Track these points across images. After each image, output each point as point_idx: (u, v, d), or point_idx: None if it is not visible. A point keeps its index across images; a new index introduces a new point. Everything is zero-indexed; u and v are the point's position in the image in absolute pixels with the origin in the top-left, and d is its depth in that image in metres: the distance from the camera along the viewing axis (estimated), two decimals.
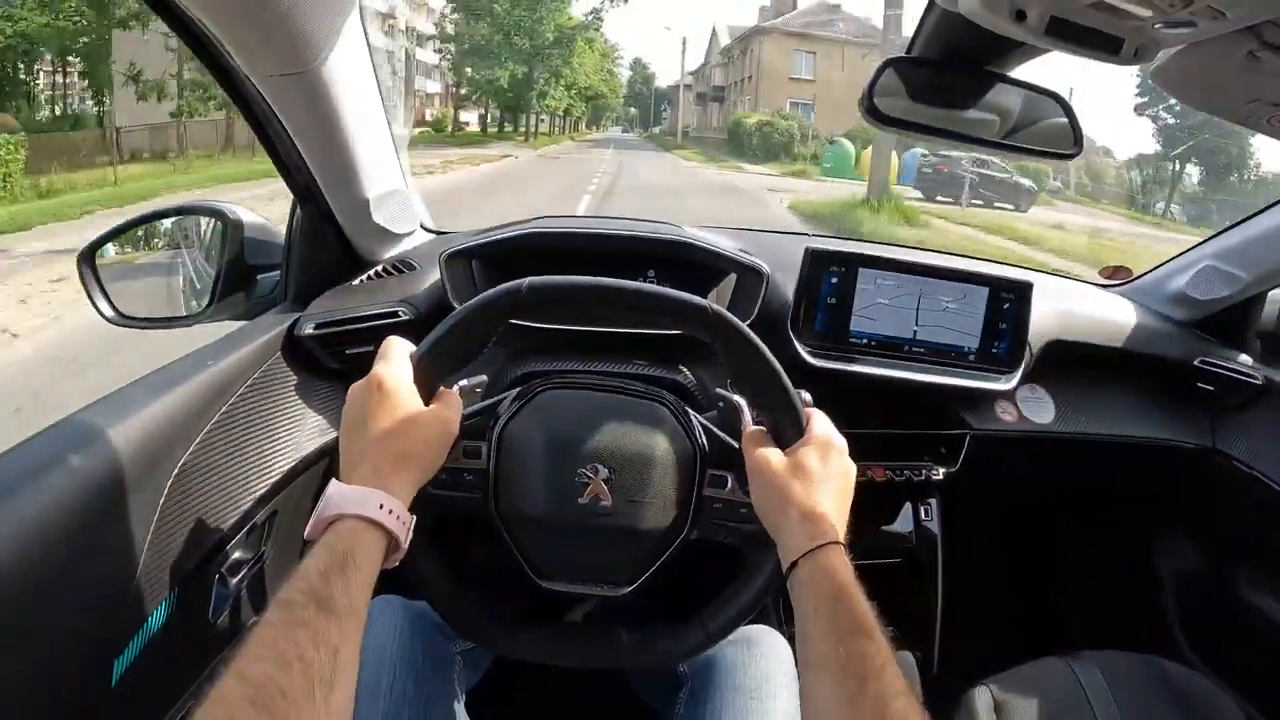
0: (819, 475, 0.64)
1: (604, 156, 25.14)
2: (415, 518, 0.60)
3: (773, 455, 0.66)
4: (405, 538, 0.58)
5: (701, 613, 0.71)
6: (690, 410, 0.76)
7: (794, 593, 0.60)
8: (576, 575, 0.73)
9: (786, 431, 0.67)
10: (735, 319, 0.66)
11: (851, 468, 0.67)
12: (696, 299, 0.67)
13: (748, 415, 0.73)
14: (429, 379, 0.64)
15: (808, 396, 0.70)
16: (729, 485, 0.71)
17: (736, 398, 0.78)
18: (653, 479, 0.71)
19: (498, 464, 0.71)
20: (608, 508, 0.70)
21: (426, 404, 0.64)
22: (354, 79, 0.87)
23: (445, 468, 0.65)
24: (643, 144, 44.79)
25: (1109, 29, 0.66)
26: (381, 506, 0.56)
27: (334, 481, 0.58)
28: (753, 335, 0.66)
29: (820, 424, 0.68)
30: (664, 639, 0.71)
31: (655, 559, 0.72)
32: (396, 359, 0.64)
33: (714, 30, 45.84)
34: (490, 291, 0.66)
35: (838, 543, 0.61)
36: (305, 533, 0.57)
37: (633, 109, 76.21)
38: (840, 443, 0.67)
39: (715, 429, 0.75)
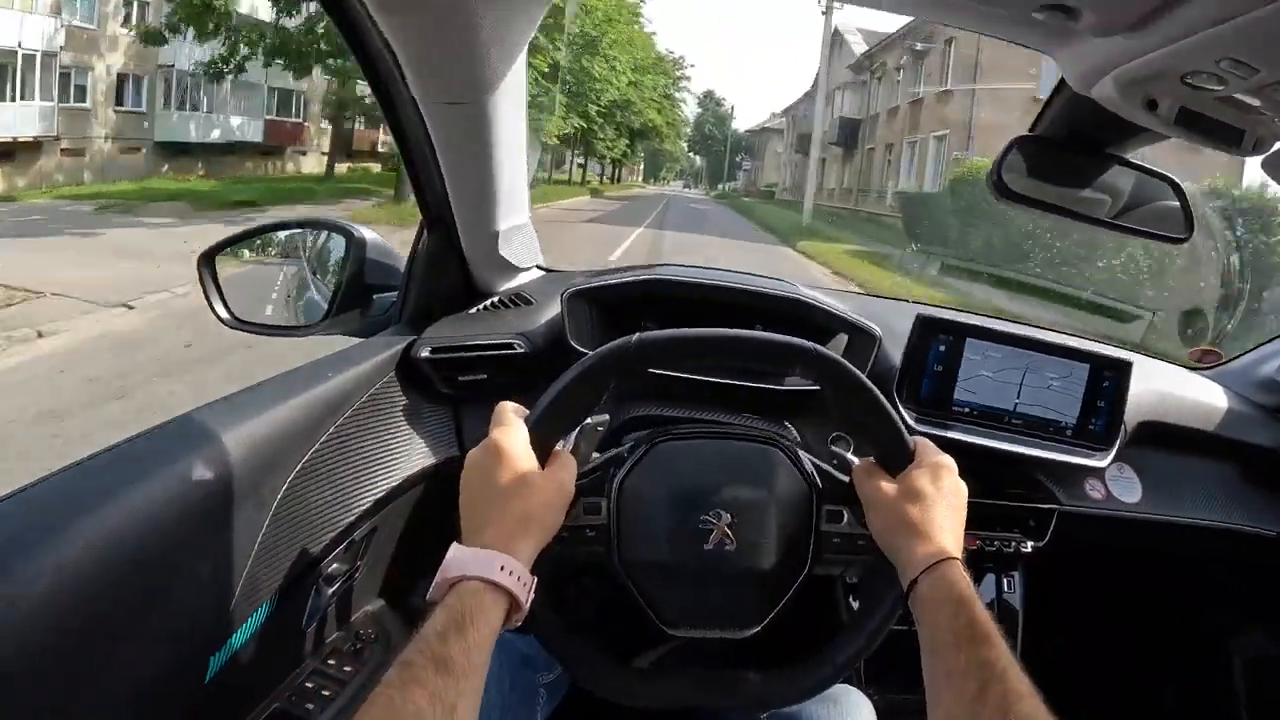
0: (931, 496, 0.66)
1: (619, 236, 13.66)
2: (536, 579, 0.61)
3: (885, 482, 0.69)
4: (526, 599, 0.60)
5: (826, 647, 0.72)
6: (799, 450, 0.77)
7: (915, 609, 0.62)
8: (704, 620, 0.74)
9: (895, 459, 0.69)
10: (836, 355, 0.69)
11: (962, 487, 0.69)
12: (800, 341, 0.69)
13: (852, 454, 0.76)
14: (544, 441, 0.66)
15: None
16: (845, 519, 0.73)
17: (846, 454, 0.80)
18: (773, 520, 0.73)
19: (619, 517, 0.72)
20: (732, 552, 0.72)
21: (542, 466, 0.66)
22: (510, 114, 0.90)
23: (566, 526, 0.67)
24: (712, 208, 30.31)
25: (1234, 122, 0.68)
26: (503, 568, 0.58)
27: (455, 545, 0.60)
28: (852, 368, 0.69)
29: (927, 448, 0.71)
30: (791, 676, 0.72)
31: (780, 598, 0.73)
32: (512, 423, 0.66)
33: (835, 34, 25.09)
34: (598, 351, 0.68)
35: (955, 558, 0.63)
36: (428, 594, 0.58)
37: (698, 158, 69.57)
38: (949, 462, 0.70)
39: (827, 466, 0.77)
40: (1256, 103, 0.61)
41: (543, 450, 0.66)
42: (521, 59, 0.83)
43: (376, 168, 24.09)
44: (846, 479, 0.73)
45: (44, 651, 0.56)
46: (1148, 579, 1.33)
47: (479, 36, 0.72)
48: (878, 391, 0.69)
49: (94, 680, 0.60)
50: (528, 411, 0.68)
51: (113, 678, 0.62)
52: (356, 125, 23.89)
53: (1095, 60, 0.69)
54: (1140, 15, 0.59)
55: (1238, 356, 1.41)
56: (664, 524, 0.72)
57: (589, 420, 0.75)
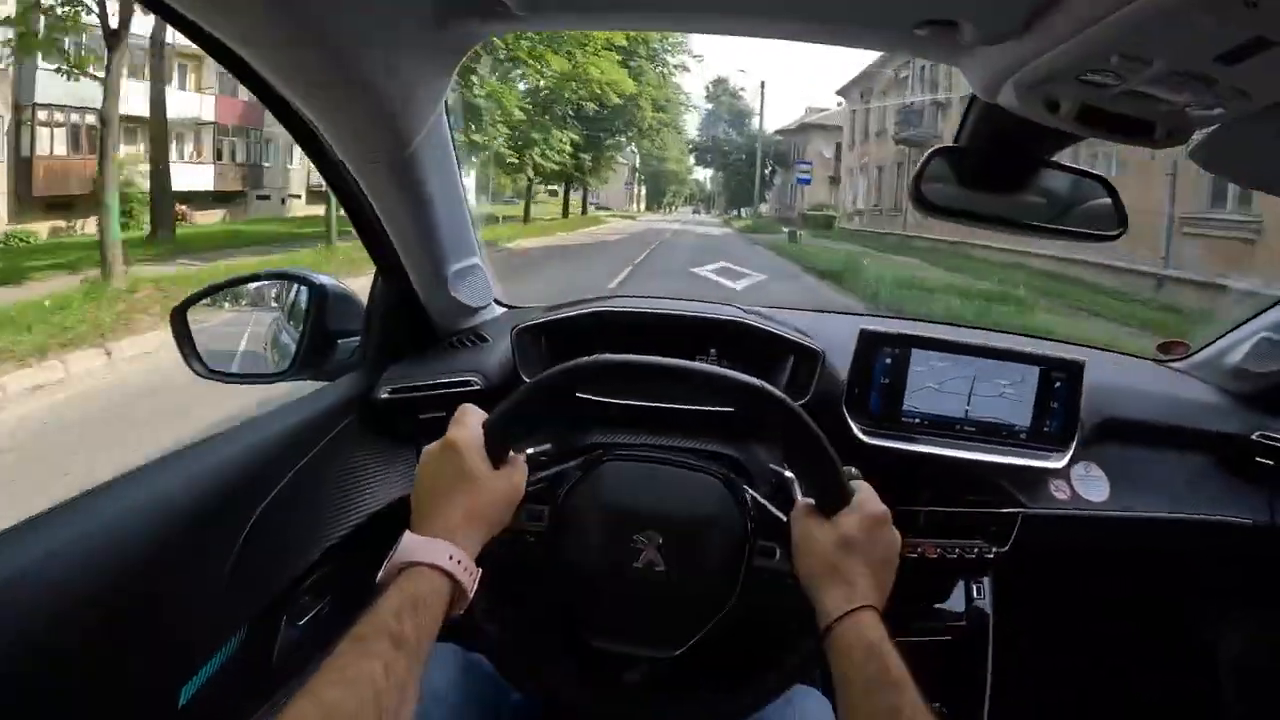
0: (858, 543, 0.68)
1: None
2: (480, 570, 0.65)
3: (817, 525, 0.70)
4: (471, 588, 0.63)
5: (744, 679, 0.74)
6: (743, 484, 0.79)
7: (830, 653, 0.64)
8: (626, 636, 0.77)
9: (831, 502, 0.70)
10: (784, 397, 0.71)
11: (894, 537, 0.70)
12: (751, 380, 0.71)
13: (798, 490, 0.77)
14: (499, 445, 0.70)
15: (855, 471, 0.73)
16: (777, 556, 0.75)
17: (788, 473, 0.82)
18: (704, 548, 0.75)
19: (558, 527, 0.76)
20: (660, 573, 0.74)
21: (496, 468, 0.69)
22: (438, 164, 0.95)
23: (509, 527, 0.70)
24: (742, 253, 15.99)
25: (1141, 114, 0.68)
26: (451, 557, 0.62)
27: (407, 532, 0.64)
28: (801, 412, 0.70)
29: (864, 494, 0.72)
30: (706, 704, 0.74)
31: (703, 625, 0.76)
32: (470, 424, 0.70)
33: None
34: (562, 366, 0.71)
35: (872, 607, 0.64)
36: (378, 576, 0.62)
37: (707, 174, 53.48)
38: (882, 512, 0.71)
39: (765, 502, 0.79)
40: (1159, 94, 0.62)
41: (498, 453, 0.69)
42: (439, 111, 0.87)
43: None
44: (784, 517, 0.74)
45: (15, 685, 0.59)
46: (1122, 577, 1.32)
47: (388, 102, 0.77)
48: (820, 435, 0.70)
49: (68, 709, 0.64)
50: (486, 415, 0.71)
51: (84, 709, 0.66)
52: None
53: (993, 67, 0.70)
54: (1021, 21, 0.60)
55: (1204, 347, 1.41)
56: (599, 538, 0.76)
57: (532, 450, 0.78)
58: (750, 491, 0.80)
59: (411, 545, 0.62)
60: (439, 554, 0.61)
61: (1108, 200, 0.97)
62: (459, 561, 0.62)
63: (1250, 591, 1.34)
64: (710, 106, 43.18)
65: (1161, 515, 1.20)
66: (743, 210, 41.91)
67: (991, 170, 0.98)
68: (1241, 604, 1.37)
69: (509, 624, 0.75)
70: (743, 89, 46.69)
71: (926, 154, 0.95)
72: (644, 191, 55.35)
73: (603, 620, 0.77)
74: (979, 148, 0.95)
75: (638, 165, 47.88)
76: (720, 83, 42.99)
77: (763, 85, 55.69)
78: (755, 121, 40.85)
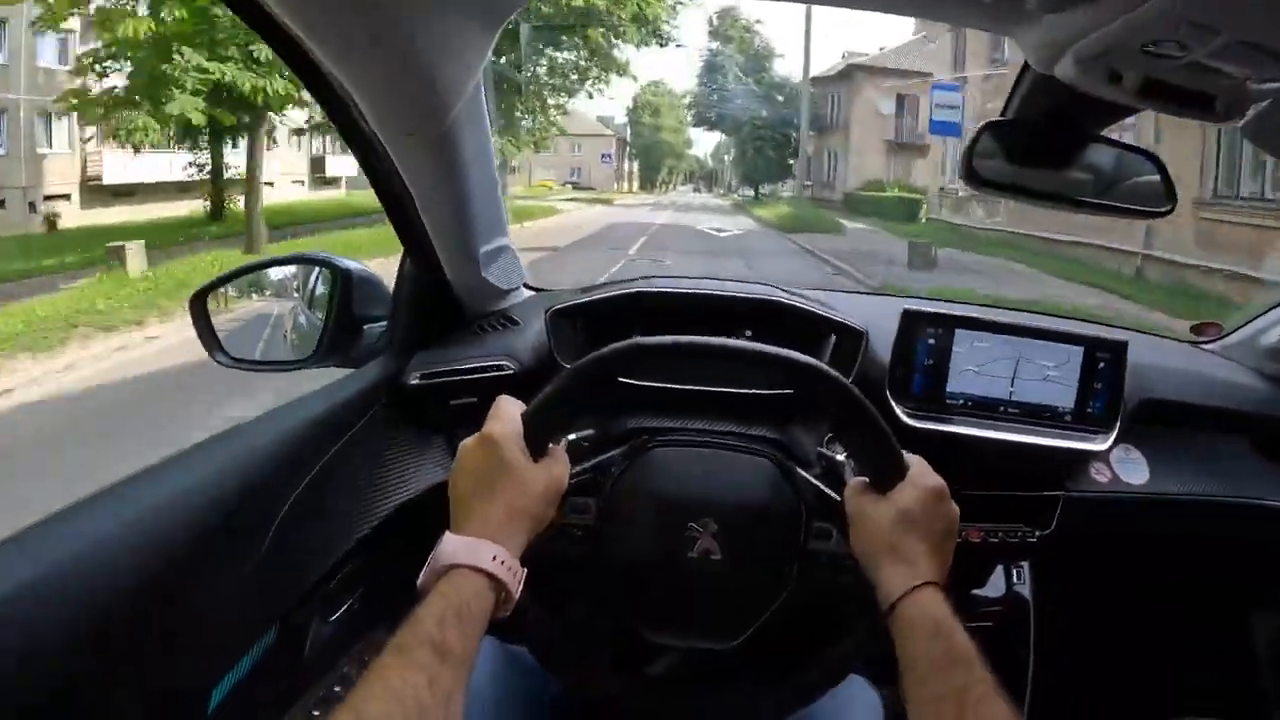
0: (918, 519, 0.65)
1: None
2: (525, 570, 0.62)
3: (873, 503, 0.68)
4: (516, 589, 0.60)
5: (802, 667, 0.72)
6: (793, 465, 0.77)
7: (895, 633, 0.62)
8: (685, 629, 0.75)
9: (887, 477, 0.68)
10: (832, 370, 0.68)
11: (953, 511, 0.68)
12: (796, 354, 0.69)
13: (849, 470, 0.75)
14: (539, 437, 0.67)
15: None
16: (833, 538, 0.72)
17: (838, 456, 0.79)
18: (760, 533, 0.72)
19: (606, 519, 0.73)
20: (718, 561, 0.71)
21: (536, 461, 0.66)
22: (474, 140, 0.91)
23: (554, 522, 0.67)
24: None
25: (1203, 88, 0.66)
26: (494, 558, 0.59)
27: (447, 534, 0.61)
28: (849, 384, 0.68)
29: (919, 468, 0.69)
30: (765, 693, 0.72)
31: (762, 612, 0.73)
32: (508, 417, 0.67)
33: None
34: (600, 351, 0.69)
35: (934, 583, 0.62)
36: (419, 581, 0.59)
37: (701, 148, 46.60)
38: (939, 485, 0.68)
39: (818, 483, 0.77)
40: (1223, 66, 0.60)
41: (538, 445, 0.66)
42: (477, 84, 0.83)
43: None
44: (838, 497, 0.72)
45: (44, 687, 0.57)
46: (1162, 560, 1.30)
47: (427, 69, 0.73)
48: (872, 408, 0.68)
49: (94, 714, 0.62)
50: (525, 406, 0.69)
51: (114, 712, 0.63)
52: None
53: (1053, 38, 0.68)
54: None
55: (1238, 328, 1.39)
56: (650, 529, 0.73)
57: (574, 435, 0.76)
58: (801, 473, 0.77)
59: (452, 547, 0.60)
60: (481, 555, 0.59)
61: (1156, 176, 0.96)
62: (502, 562, 0.59)
63: None
64: (714, 47, 30.44)
65: (1200, 498, 1.19)
66: (760, 189, 30.55)
67: (1039, 145, 0.95)
68: (1277, 587, 1.35)
69: (555, 621, 0.72)
70: (759, 21, 30.83)
71: (977, 128, 0.93)
72: (636, 169, 45.36)
73: (658, 613, 0.74)
74: (1028, 121, 0.93)
75: (628, 138, 42.38)
76: (728, 14, 30.20)
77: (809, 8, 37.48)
78: (779, 66, 30.19)
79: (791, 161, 28.21)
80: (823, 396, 0.69)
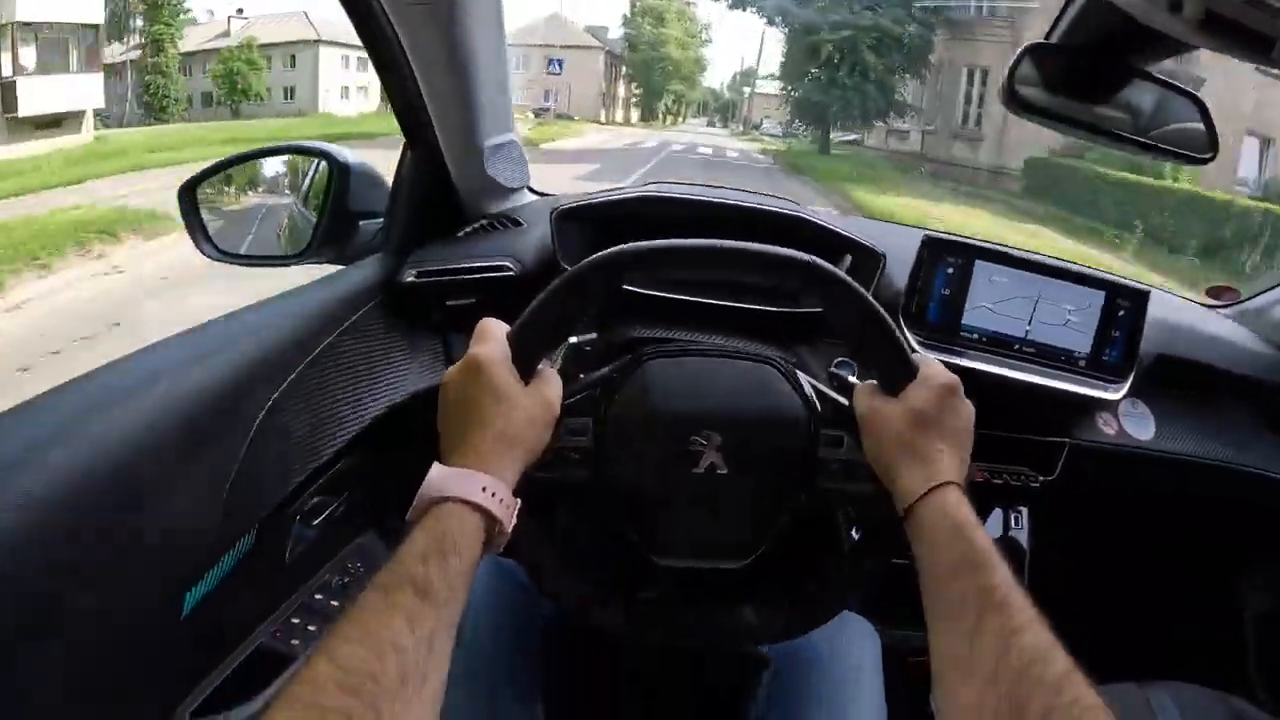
0: (931, 417, 0.62)
1: None
2: (520, 501, 0.58)
3: (884, 404, 0.64)
4: (510, 522, 0.56)
5: (822, 582, 0.69)
6: (798, 371, 0.73)
7: (912, 536, 0.59)
8: (693, 550, 0.71)
9: (897, 379, 0.64)
10: (835, 269, 0.64)
11: (968, 408, 0.65)
12: (796, 253, 0.65)
13: (855, 382, 0.71)
14: (527, 357, 0.62)
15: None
16: (844, 444, 0.68)
17: (849, 377, 0.76)
18: (767, 443, 0.69)
19: (605, 440, 0.68)
20: (723, 476, 0.68)
21: (526, 384, 0.62)
22: (486, 19, 0.86)
23: (551, 447, 0.63)
24: None
25: (1264, 29, 0.63)
26: (485, 489, 0.55)
27: (435, 465, 0.57)
28: (853, 283, 0.64)
29: (930, 366, 0.66)
30: (786, 612, 0.69)
31: (772, 526, 0.70)
32: (494, 338, 0.62)
33: None
34: (586, 261, 0.64)
35: (954, 483, 0.59)
36: (406, 516, 0.55)
37: (716, 76, 42.70)
38: (953, 381, 0.65)
39: (825, 389, 0.73)
40: None
41: (527, 366, 0.62)
42: None
43: None
44: (847, 402, 0.69)
45: (9, 587, 0.53)
46: (1159, 518, 1.30)
47: None
48: (878, 305, 0.64)
49: (61, 616, 0.58)
50: (510, 327, 0.64)
51: (81, 615, 0.60)
52: None
53: None
54: None
55: (1255, 295, 1.36)
56: (652, 446, 0.68)
57: (574, 339, 0.71)
58: (807, 380, 0.73)
59: (439, 479, 0.55)
60: (470, 487, 0.54)
61: (1199, 123, 0.92)
62: (493, 494, 0.55)
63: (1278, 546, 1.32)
64: None
65: (1203, 460, 1.17)
66: (832, 131, 20.34)
67: (1080, 75, 0.91)
68: (1269, 557, 1.35)
69: (553, 549, 0.68)
70: None
71: (1019, 51, 0.88)
72: (630, 94, 36.99)
73: (665, 535, 0.70)
74: (1074, 47, 0.88)
75: (624, 52, 34.76)
76: None
77: None
78: None
79: (900, 94, 17.53)
80: (828, 296, 0.65)
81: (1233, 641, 1.35)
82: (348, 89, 23.90)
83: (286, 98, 23.48)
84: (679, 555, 0.71)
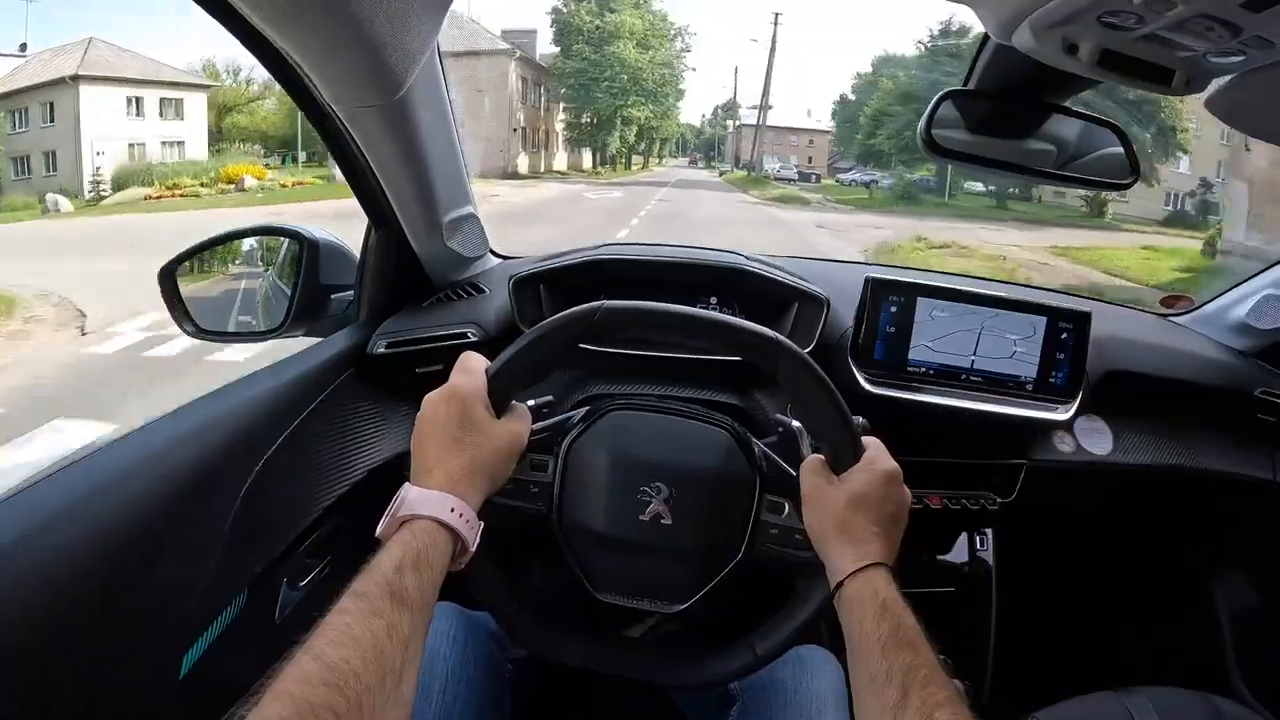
0: (869, 500, 0.66)
1: None
2: (483, 523, 0.62)
3: (827, 481, 0.69)
4: (473, 541, 0.61)
5: (752, 635, 0.73)
6: (751, 436, 0.78)
7: (841, 612, 0.63)
8: (633, 590, 0.75)
9: (843, 458, 0.69)
10: (795, 347, 0.69)
11: (904, 495, 0.69)
12: (760, 328, 0.69)
13: (806, 443, 0.75)
14: (501, 393, 0.67)
15: (864, 423, 0.72)
16: (785, 511, 0.73)
17: (795, 424, 0.80)
18: (712, 501, 0.73)
19: (563, 478, 0.73)
20: (667, 526, 0.72)
21: (498, 417, 0.67)
22: (431, 109, 0.91)
23: (512, 479, 0.68)
24: None
25: (1160, 60, 0.67)
26: (453, 510, 0.59)
27: (407, 484, 0.61)
28: (812, 363, 0.68)
29: (875, 451, 0.70)
30: (714, 658, 0.73)
31: (710, 579, 0.74)
32: (472, 372, 0.68)
33: None
34: (565, 313, 0.69)
35: (883, 564, 0.63)
36: (378, 531, 0.59)
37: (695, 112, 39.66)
38: (893, 469, 0.69)
39: (774, 456, 0.77)
40: (1182, 39, 0.60)
41: (500, 402, 0.67)
42: (431, 57, 0.83)
43: None
44: (793, 472, 0.73)
45: (14, 653, 0.58)
46: (1124, 529, 1.32)
47: (376, 43, 0.73)
48: (833, 387, 0.68)
49: (65, 682, 0.62)
50: (489, 363, 0.69)
51: (84, 679, 0.64)
52: None
53: (1010, 7, 0.67)
54: None
55: (1209, 301, 1.40)
56: (604, 490, 0.73)
57: (533, 401, 0.76)
58: (758, 444, 0.78)
59: (412, 498, 0.60)
60: (440, 507, 0.59)
61: (1119, 149, 0.96)
62: (460, 515, 0.60)
63: (1249, 544, 1.35)
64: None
65: (1163, 466, 1.20)
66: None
67: (1001, 115, 0.96)
68: (1236, 557, 1.37)
69: (514, 584, 0.73)
70: None
71: (936, 97, 0.93)
72: (573, 124, 26.92)
73: (608, 574, 0.75)
74: (990, 91, 0.93)
75: (557, 62, 25.13)
76: None
77: None
78: None
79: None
80: (783, 372, 0.69)
81: (1208, 641, 1.37)
82: (139, 146, 15.72)
83: (48, 169, 15.03)
84: (618, 594, 0.75)
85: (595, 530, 0.73)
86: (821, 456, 0.71)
